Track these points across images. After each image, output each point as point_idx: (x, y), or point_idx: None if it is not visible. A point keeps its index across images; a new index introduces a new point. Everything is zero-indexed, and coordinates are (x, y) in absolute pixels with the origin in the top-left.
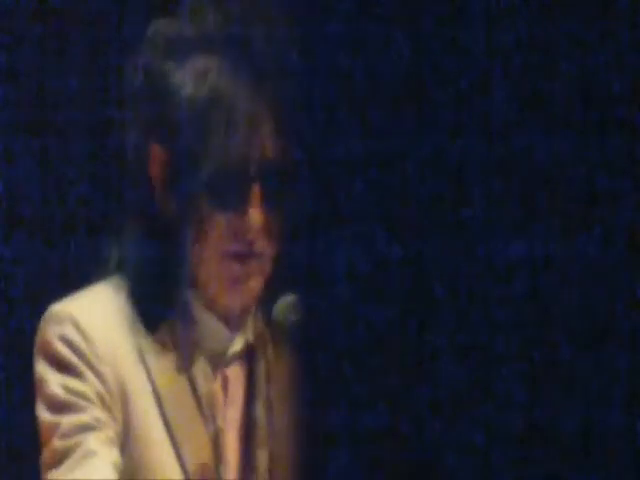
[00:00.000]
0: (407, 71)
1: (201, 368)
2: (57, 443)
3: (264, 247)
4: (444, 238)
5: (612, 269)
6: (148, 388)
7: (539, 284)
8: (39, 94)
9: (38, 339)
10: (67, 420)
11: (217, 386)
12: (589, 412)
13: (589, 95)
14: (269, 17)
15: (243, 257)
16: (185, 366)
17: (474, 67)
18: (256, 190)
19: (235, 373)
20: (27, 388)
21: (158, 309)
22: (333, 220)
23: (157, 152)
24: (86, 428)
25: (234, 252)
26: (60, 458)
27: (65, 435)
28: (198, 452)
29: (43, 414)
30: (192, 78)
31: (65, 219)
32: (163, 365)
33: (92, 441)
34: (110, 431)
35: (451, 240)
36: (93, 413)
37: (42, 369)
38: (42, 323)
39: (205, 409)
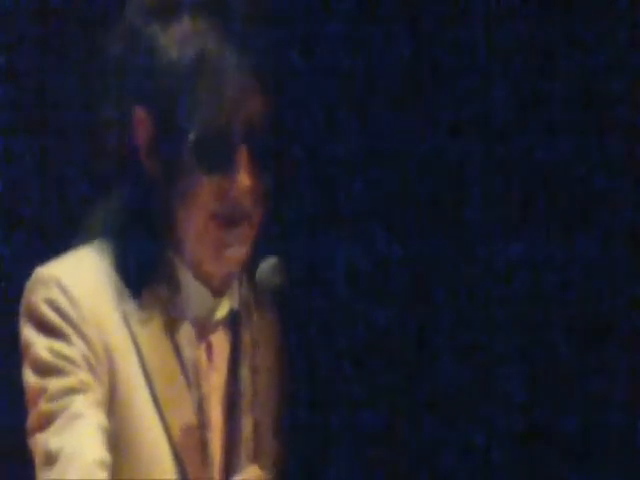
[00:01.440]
0: (407, 71)
1: (186, 333)
2: (44, 406)
3: (251, 210)
4: (444, 238)
5: (612, 269)
6: (133, 352)
7: (539, 284)
8: (39, 94)
9: (24, 302)
10: (54, 383)
11: (201, 352)
12: (589, 412)
13: (589, 95)
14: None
15: (230, 220)
16: (169, 331)
17: (474, 67)
18: (243, 153)
19: (220, 339)
20: None
21: (143, 274)
22: (333, 220)
23: (142, 115)
24: (73, 391)
25: (221, 214)
26: (47, 421)
27: (52, 398)
28: (182, 416)
29: (30, 377)
30: (178, 42)
31: (65, 219)
32: (147, 330)
33: (79, 404)
34: (97, 394)
35: (451, 240)
36: (79, 376)
37: (28, 332)
38: (28, 286)
39: (189, 374)
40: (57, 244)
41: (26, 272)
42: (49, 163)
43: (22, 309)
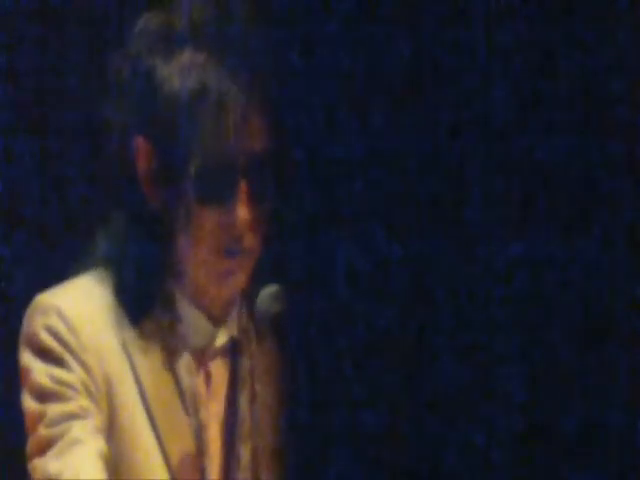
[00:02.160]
0: (407, 71)
1: (185, 362)
2: (43, 431)
3: (251, 242)
4: (444, 238)
5: (612, 269)
6: (132, 380)
7: (539, 284)
8: (39, 94)
9: (23, 329)
10: (53, 409)
11: (200, 380)
12: (589, 412)
13: (589, 95)
14: (257, 14)
15: (230, 252)
16: (169, 360)
17: (474, 67)
18: (243, 186)
19: (218, 367)
20: None
21: (142, 302)
22: (333, 220)
23: (143, 145)
24: (72, 417)
25: (221, 247)
26: (46, 446)
27: (51, 423)
28: (181, 445)
29: (29, 403)
30: (179, 72)
31: (65, 219)
32: (147, 358)
33: (78, 429)
34: (96, 420)
35: (451, 240)
36: (79, 402)
37: (27, 359)
38: (27, 313)
39: (188, 403)
40: (57, 244)
41: (26, 272)
42: (49, 163)
43: (21, 336)
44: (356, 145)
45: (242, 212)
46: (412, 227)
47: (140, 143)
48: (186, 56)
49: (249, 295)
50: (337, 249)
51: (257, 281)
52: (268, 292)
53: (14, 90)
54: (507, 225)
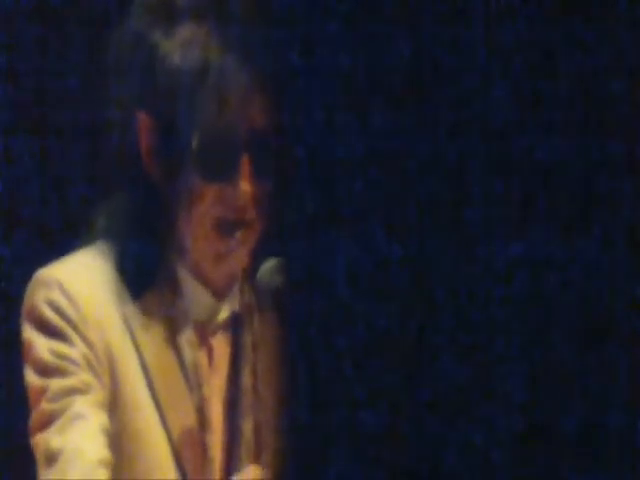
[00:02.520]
0: (407, 71)
1: (187, 336)
2: (45, 406)
3: (252, 216)
4: (444, 238)
5: (612, 269)
6: (134, 355)
7: (539, 284)
8: (39, 94)
9: (25, 304)
10: (55, 383)
11: (202, 354)
12: (589, 412)
13: (589, 95)
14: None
15: (232, 226)
16: (170, 334)
17: (474, 67)
18: (245, 160)
19: (221, 342)
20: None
21: (144, 277)
22: (333, 220)
23: (144, 120)
24: (74, 391)
25: (222, 220)
26: (48, 421)
27: (53, 398)
28: (183, 419)
29: (31, 378)
30: (180, 47)
31: (65, 219)
32: (148, 332)
33: (80, 404)
34: (98, 395)
35: (451, 240)
36: (81, 377)
37: (30, 334)
38: (29, 288)
39: (190, 377)
40: (57, 244)
41: (26, 272)
42: (49, 163)
43: (23, 310)
44: (356, 145)
45: (244, 187)
46: (412, 227)
47: (142, 118)
48: (187, 30)
49: (251, 269)
50: (337, 249)
51: (258, 255)
52: (269, 266)
53: (14, 90)
54: (507, 225)
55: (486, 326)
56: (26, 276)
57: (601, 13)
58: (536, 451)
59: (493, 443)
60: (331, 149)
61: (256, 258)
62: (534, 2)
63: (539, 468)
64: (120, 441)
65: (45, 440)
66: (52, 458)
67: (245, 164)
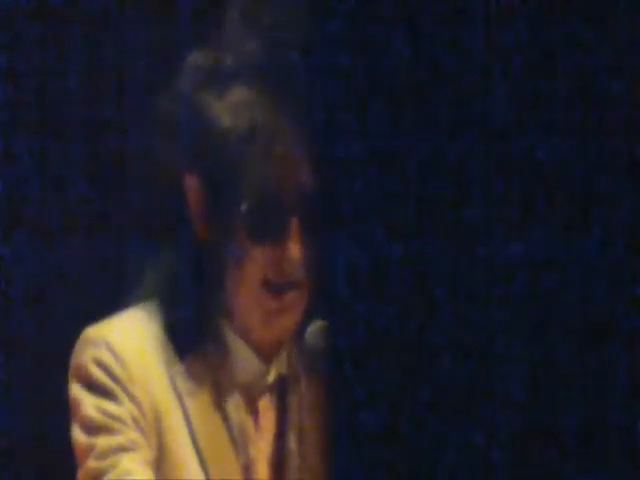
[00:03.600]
0: (407, 71)
1: (233, 398)
2: (92, 464)
3: (302, 278)
4: (444, 238)
5: (612, 269)
6: (180, 416)
7: (539, 284)
8: (39, 94)
9: (72, 362)
10: (102, 441)
11: (248, 417)
12: (589, 412)
13: (589, 95)
14: (304, 41)
15: (281, 288)
16: (217, 396)
17: (474, 67)
18: (294, 222)
19: (267, 404)
20: (27, 388)
21: (192, 339)
22: (333, 220)
23: (193, 182)
24: (122, 449)
25: (272, 283)
26: (95, 478)
27: (101, 456)
28: None
29: (78, 436)
30: (230, 109)
31: (65, 219)
32: (195, 394)
33: (128, 461)
34: (145, 453)
35: (451, 240)
36: (128, 435)
37: (77, 392)
38: (76, 346)
39: (237, 439)
40: (57, 244)
41: (26, 272)
42: (49, 163)
43: (70, 369)
44: (356, 145)
45: (293, 248)
46: (412, 227)
47: (191, 181)
48: (237, 92)
49: (298, 331)
50: (337, 249)
51: (306, 317)
52: (316, 328)
53: (14, 90)
54: (507, 225)
55: (486, 326)
56: (26, 276)
57: (601, 13)
58: (536, 451)
59: (493, 443)
60: (331, 149)
61: (303, 320)
62: (534, 2)
63: (539, 468)
64: None
65: None
66: None
67: (294, 226)
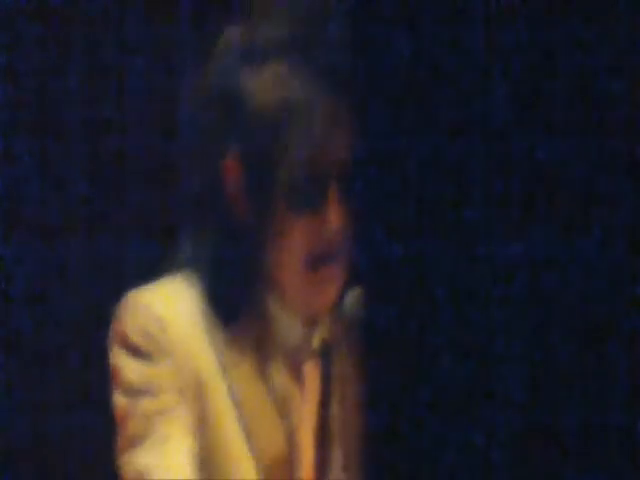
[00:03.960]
0: (407, 71)
1: (276, 365)
2: (132, 427)
3: (342, 248)
4: (444, 238)
5: (612, 269)
6: (222, 382)
7: (539, 284)
8: (39, 94)
9: (114, 327)
10: (143, 405)
11: (292, 383)
12: (589, 412)
13: (589, 95)
14: (334, 15)
15: (322, 258)
16: (260, 362)
17: (474, 67)
18: (333, 191)
19: (311, 371)
20: (27, 388)
21: (233, 306)
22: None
23: (231, 163)
24: (162, 413)
25: (313, 254)
26: (136, 442)
27: (141, 419)
28: (272, 447)
29: (119, 400)
30: (266, 85)
31: (65, 219)
32: (237, 361)
33: (168, 426)
34: (186, 418)
35: (451, 240)
36: (169, 400)
37: (118, 356)
38: (117, 312)
39: (280, 406)
40: (57, 244)
41: (26, 272)
42: (49, 163)
43: (111, 333)
44: (356, 145)
45: (334, 218)
46: (412, 227)
47: (229, 162)
48: (272, 68)
49: (339, 299)
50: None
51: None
52: (354, 295)
53: (14, 90)
54: (507, 225)
55: (486, 326)
56: (26, 276)
57: (601, 13)
58: (536, 451)
59: (493, 443)
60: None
61: (346, 288)
62: (534, 2)
63: (539, 468)
64: (206, 466)
65: (132, 461)
66: (139, 479)
67: (333, 195)
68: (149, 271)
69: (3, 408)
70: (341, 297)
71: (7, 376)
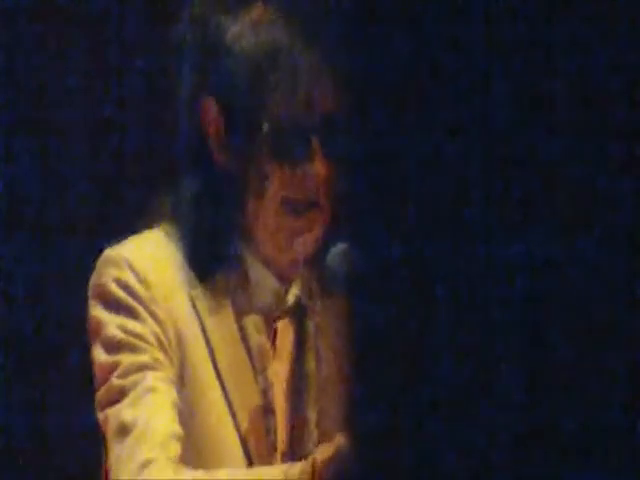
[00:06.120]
0: (407, 71)
1: (252, 320)
2: (116, 382)
3: (322, 199)
4: (444, 238)
5: (612, 269)
6: (200, 336)
7: (539, 284)
8: (39, 94)
9: (93, 282)
10: (126, 359)
11: (267, 339)
12: (589, 412)
13: (589, 95)
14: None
15: (301, 208)
16: (237, 318)
17: (474, 67)
18: (316, 142)
19: (285, 327)
20: (27, 388)
21: (211, 262)
22: (333, 220)
23: (211, 106)
24: (145, 367)
25: (292, 203)
26: (119, 395)
27: (124, 374)
28: (249, 402)
29: (100, 356)
30: (249, 30)
31: (65, 219)
32: (215, 315)
33: (151, 379)
34: (168, 371)
35: (451, 240)
36: (152, 353)
37: (98, 312)
38: (97, 267)
39: (256, 361)
40: (57, 244)
41: (26, 272)
42: (49, 163)
43: (91, 289)
44: (356, 145)
45: (314, 168)
46: (412, 227)
47: (209, 104)
48: (255, 13)
49: (317, 254)
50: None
51: (326, 241)
52: (338, 251)
53: (14, 90)
54: (507, 225)
55: (486, 326)
56: (26, 276)
57: (601, 13)
58: (536, 451)
59: (493, 443)
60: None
61: (324, 243)
62: (534, 2)
63: (539, 468)
64: (186, 420)
65: (116, 414)
66: (124, 431)
67: (315, 146)
68: None
69: (3, 408)
70: (322, 253)
71: (7, 376)
